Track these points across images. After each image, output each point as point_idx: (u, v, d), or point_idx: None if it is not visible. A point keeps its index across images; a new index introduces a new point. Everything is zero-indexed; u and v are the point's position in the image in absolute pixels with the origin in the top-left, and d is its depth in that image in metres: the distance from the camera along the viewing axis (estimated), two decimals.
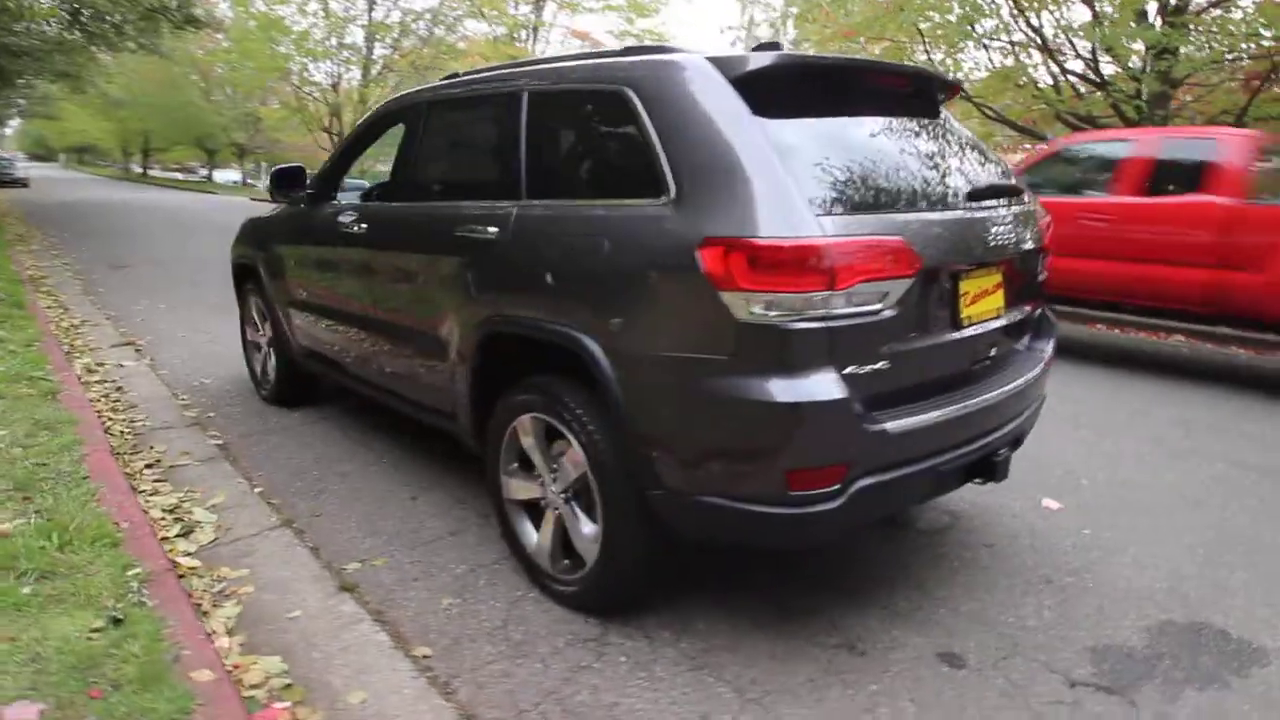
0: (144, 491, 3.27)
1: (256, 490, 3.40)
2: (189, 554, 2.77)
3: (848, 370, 1.96)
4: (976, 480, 2.38)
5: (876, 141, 2.30)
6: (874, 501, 2.08)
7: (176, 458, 3.69)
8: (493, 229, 2.55)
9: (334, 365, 3.85)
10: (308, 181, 3.81)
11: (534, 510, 2.63)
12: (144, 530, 2.79)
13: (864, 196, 2.08)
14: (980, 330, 2.32)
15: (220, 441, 3.97)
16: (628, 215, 2.16)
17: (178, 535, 2.92)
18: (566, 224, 2.33)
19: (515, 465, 2.64)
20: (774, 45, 2.37)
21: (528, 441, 2.53)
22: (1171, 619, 2.51)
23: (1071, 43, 10.46)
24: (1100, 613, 2.54)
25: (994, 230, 2.33)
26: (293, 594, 2.55)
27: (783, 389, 1.91)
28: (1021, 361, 2.60)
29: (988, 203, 2.39)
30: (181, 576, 2.55)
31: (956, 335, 2.25)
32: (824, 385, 1.92)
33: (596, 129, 2.51)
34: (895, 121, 2.40)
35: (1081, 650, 2.33)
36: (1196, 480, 3.74)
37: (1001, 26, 10.71)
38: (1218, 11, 9.51)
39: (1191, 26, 9.31)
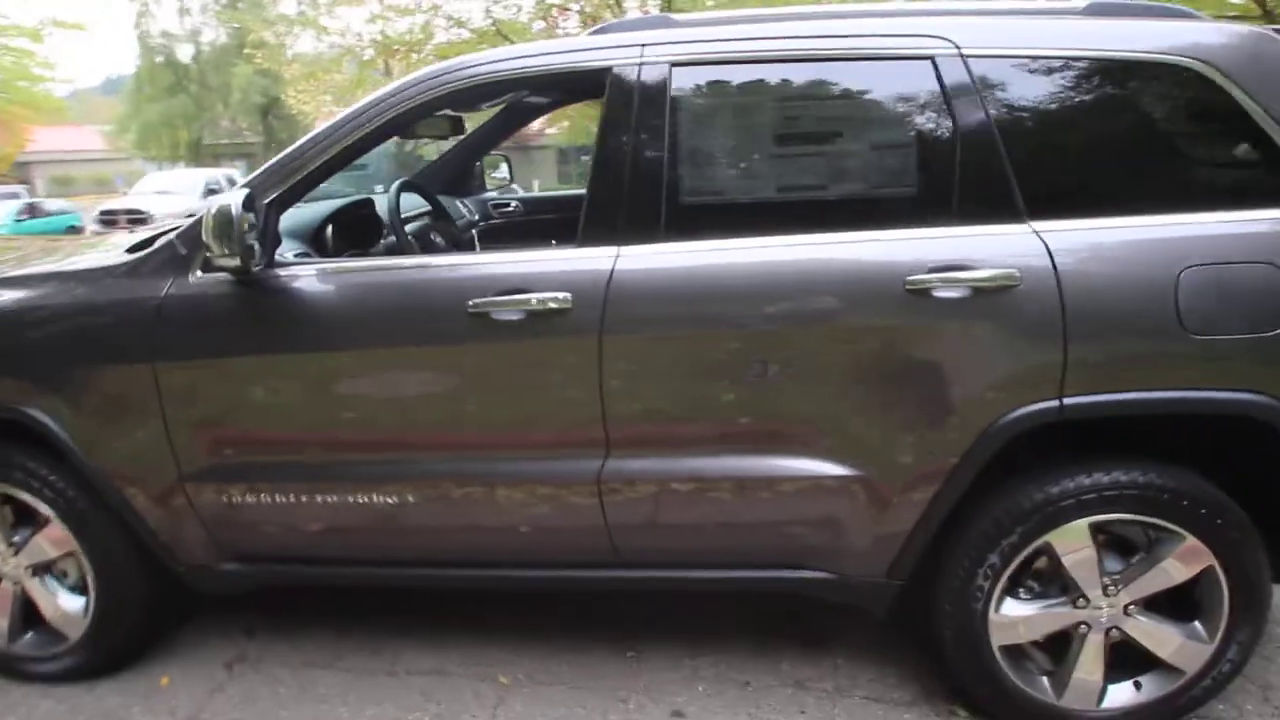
0: None
1: None
2: None
3: None
4: None
5: None
6: None
7: None
8: (1005, 271, 1.68)
9: (354, 560, 2.08)
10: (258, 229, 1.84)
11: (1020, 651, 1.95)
12: None
13: None
14: None
15: None
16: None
17: None
18: (1178, 252, 1.67)
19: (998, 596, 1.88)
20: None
21: (1077, 557, 1.81)
22: None
23: None
24: None
25: None
26: None
27: None
28: None
29: None
30: None
31: None
32: None
33: (1136, 116, 1.80)
34: None
35: None
36: None
37: None
38: None
39: None
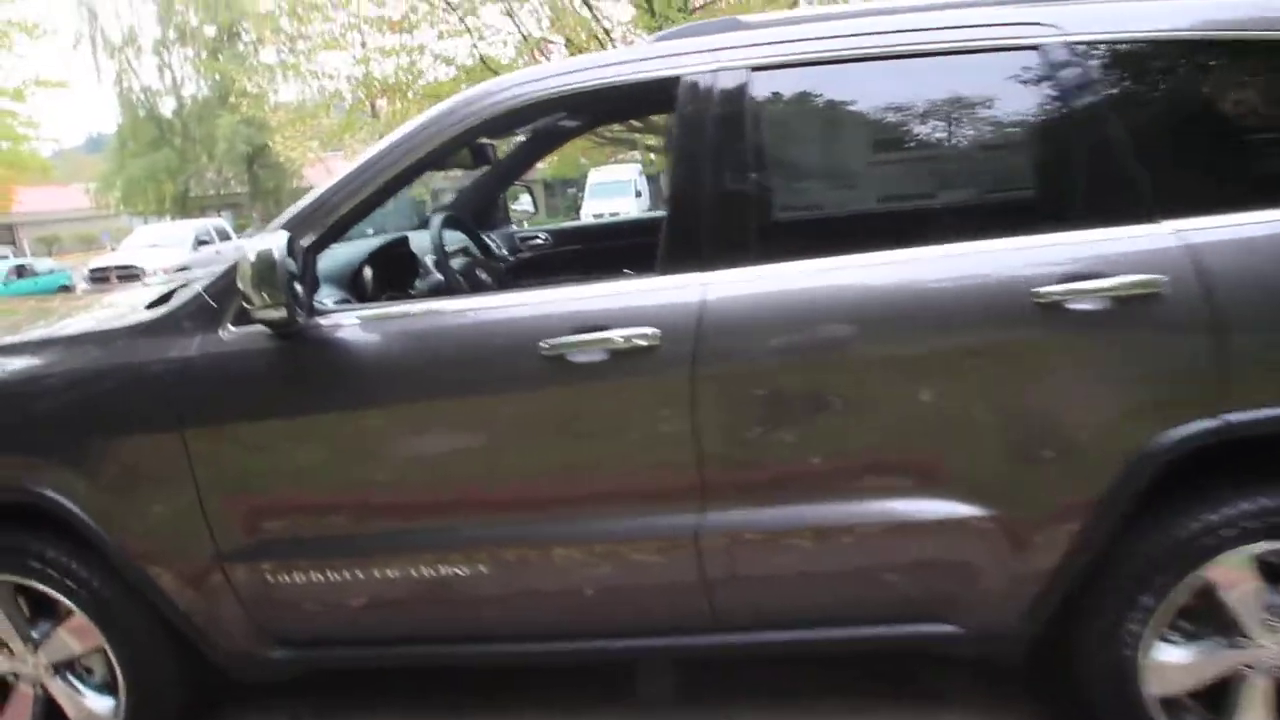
0: None
1: None
2: None
3: None
4: None
5: None
6: None
7: None
8: (1148, 277, 1.50)
9: (419, 638, 1.86)
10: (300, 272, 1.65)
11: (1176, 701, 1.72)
12: None
13: None
14: None
15: None
16: None
17: None
18: None
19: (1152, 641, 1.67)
20: None
21: (1239, 592, 1.61)
22: None
23: None
24: None
25: None
26: None
27: None
28: None
29: None
30: None
31: None
32: None
33: (1261, 98, 1.65)
34: None
35: None
36: None
37: None
38: None
39: None
